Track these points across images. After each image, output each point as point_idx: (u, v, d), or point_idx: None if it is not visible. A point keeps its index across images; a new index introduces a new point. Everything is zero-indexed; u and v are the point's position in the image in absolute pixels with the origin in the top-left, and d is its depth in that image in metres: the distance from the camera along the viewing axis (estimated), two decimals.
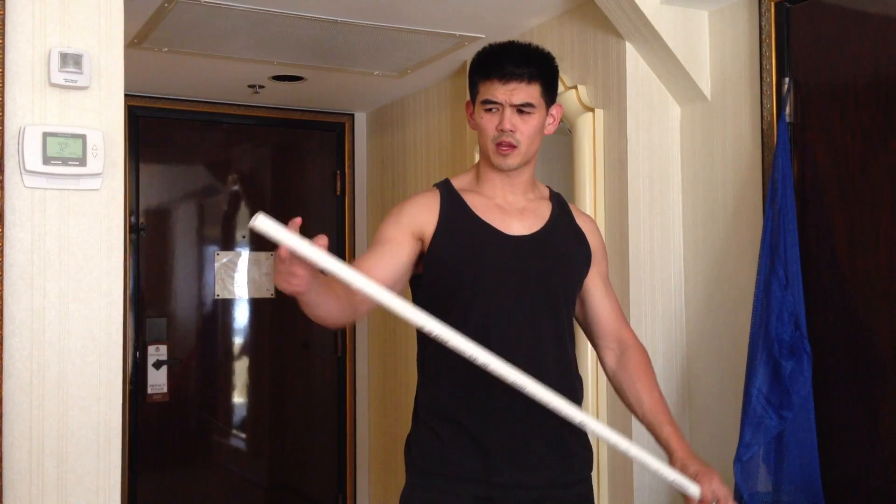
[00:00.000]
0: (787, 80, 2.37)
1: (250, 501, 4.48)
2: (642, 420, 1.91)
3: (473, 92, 1.85)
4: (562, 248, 1.86)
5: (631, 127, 2.70)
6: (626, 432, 2.68)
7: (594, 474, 2.77)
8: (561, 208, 1.91)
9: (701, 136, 2.70)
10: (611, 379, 1.99)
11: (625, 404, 1.97)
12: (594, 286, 1.92)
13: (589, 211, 2.81)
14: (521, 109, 1.78)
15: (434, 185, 1.90)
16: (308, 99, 4.30)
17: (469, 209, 1.82)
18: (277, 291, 4.41)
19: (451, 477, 1.76)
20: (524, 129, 1.79)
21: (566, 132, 2.98)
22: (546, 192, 1.93)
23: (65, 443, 1.99)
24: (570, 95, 2.87)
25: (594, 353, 2.77)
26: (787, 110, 2.35)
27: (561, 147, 3.84)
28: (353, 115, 4.65)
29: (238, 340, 4.44)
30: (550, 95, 1.84)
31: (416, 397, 1.88)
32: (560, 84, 2.92)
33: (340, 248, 4.58)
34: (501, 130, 1.78)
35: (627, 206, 2.69)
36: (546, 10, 2.99)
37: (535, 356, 1.76)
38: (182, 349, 4.27)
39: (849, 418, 2.22)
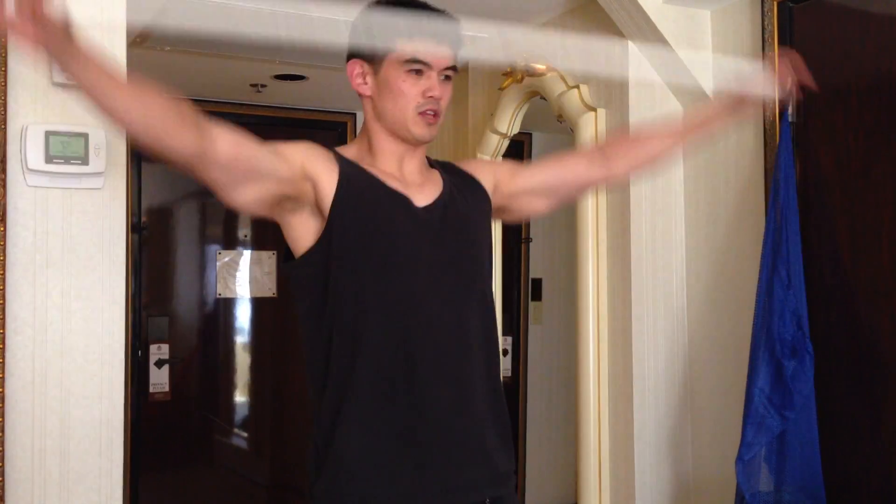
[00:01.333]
0: (789, 80, 2.36)
1: (252, 500, 4.48)
2: (688, 131, 1.83)
3: (379, 48, 1.58)
4: (463, 210, 1.65)
5: (633, 126, 2.69)
6: (628, 442, 2.68)
7: (596, 475, 2.77)
8: (446, 169, 1.72)
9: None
10: (638, 170, 1.85)
11: (659, 158, 1.83)
12: (526, 177, 1.77)
13: (590, 211, 2.81)
14: (446, 76, 1.59)
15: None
16: (310, 98, 4.30)
17: (372, 175, 1.58)
18: (279, 291, 4.42)
19: (384, 497, 1.50)
20: (446, 98, 1.60)
21: (568, 131, 2.98)
22: (427, 162, 1.72)
23: (67, 441, 1.99)
24: (573, 95, 2.87)
25: (594, 350, 2.79)
26: (790, 110, 2.34)
27: (563, 146, 3.83)
28: (355, 115, 4.65)
29: (240, 339, 4.45)
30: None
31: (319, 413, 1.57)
32: (562, 83, 2.94)
33: None
34: (430, 97, 1.57)
35: (629, 206, 2.69)
36: (548, 10, 2.99)
37: (462, 331, 1.57)
38: (184, 348, 4.27)
39: (851, 418, 2.22)
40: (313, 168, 1.52)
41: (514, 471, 1.66)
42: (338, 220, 1.52)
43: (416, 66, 1.56)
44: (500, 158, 3.42)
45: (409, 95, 1.56)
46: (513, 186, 1.76)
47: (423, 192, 1.62)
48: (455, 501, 1.55)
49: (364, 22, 1.61)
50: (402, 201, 1.58)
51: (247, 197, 1.46)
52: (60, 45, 1.25)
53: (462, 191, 1.68)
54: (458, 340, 1.57)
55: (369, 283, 1.52)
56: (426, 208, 1.60)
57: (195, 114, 1.40)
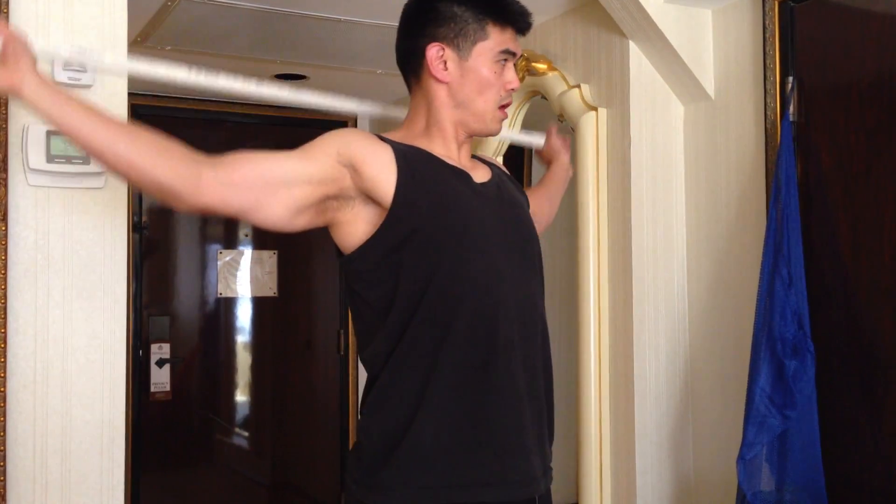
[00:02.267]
0: (790, 78, 2.36)
1: (253, 499, 4.48)
2: (548, 181, 2.10)
3: (469, 34, 1.53)
4: (517, 198, 1.65)
5: (634, 126, 2.69)
6: (629, 441, 2.68)
7: (597, 474, 2.77)
8: (488, 163, 1.70)
9: (704, 135, 2.70)
10: (547, 211, 2.05)
11: (552, 200, 2.08)
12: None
13: (591, 210, 2.81)
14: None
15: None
16: None
17: (429, 153, 1.53)
18: (280, 290, 4.42)
19: (462, 485, 1.45)
20: None
21: (569, 131, 2.97)
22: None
23: (68, 441, 1.99)
24: (574, 94, 2.87)
25: (595, 349, 2.79)
26: (791, 109, 2.34)
27: None
28: (356, 114, 4.65)
29: (241, 339, 4.45)
30: None
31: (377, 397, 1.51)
32: (563, 83, 2.94)
33: None
34: (511, 90, 1.56)
35: (630, 205, 2.69)
36: (549, 9, 2.99)
37: (532, 314, 1.55)
38: (185, 347, 4.27)
39: (852, 417, 2.22)
40: (351, 155, 1.45)
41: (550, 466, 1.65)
42: (403, 200, 1.44)
43: (504, 58, 1.54)
44: (500, 158, 3.42)
45: (495, 86, 1.54)
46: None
47: (476, 172, 1.60)
48: (530, 491, 1.52)
49: (449, 6, 1.55)
50: (465, 178, 1.54)
51: (280, 212, 1.41)
52: (35, 83, 1.28)
53: (504, 181, 1.68)
54: (531, 323, 1.54)
55: (449, 264, 1.45)
56: (483, 185, 1.58)
57: (188, 150, 1.39)
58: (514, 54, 1.55)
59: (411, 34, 1.58)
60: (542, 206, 2.01)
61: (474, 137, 1.63)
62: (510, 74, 1.55)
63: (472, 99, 1.54)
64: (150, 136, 1.35)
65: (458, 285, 1.46)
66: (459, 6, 1.54)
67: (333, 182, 1.44)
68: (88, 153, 1.34)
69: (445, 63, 1.55)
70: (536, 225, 1.73)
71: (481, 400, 1.47)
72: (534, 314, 1.56)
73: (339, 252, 1.56)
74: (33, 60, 1.34)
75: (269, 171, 1.41)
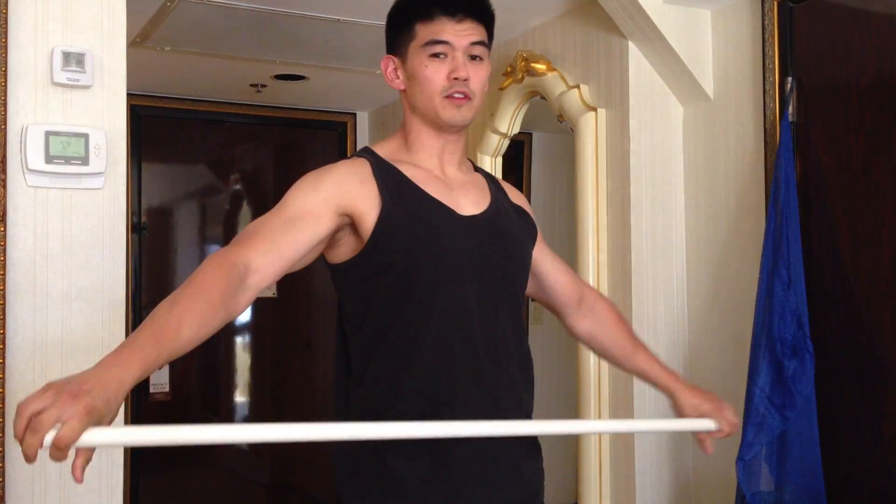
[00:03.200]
0: (789, 79, 2.36)
1: (252, 500, 4.48)
2: (634, 370, 1.81)
3: (404, 39, 1.53)
4: (512, 230, 1.60)
5: (633, 126, 2.70)
6: (628, 442, 2.68)
7: (596, 475, 2.77)
8: (494, 184, 1.66)
9: (704, 136, 2.70)
10: (589, 343, 1.82)
11: (610, 362, 1.86)
12: (542, 256, 1.72)
13: (591, 210, 2.81)
14: (472, 55, 1.51)
15: (355, 154, 1.59)
16: (310, 98, 4.30)
17: (412, 183, 1.51)
18: (279, 291, 4.42)
19: None
20: (477, 79, 1.51)
21: (569, 131, 2.98)
22: (471, 166, 1.68)
23: None
24: (573, 95, 2.87)
25: (594, 354, 2.78)
26: (790, 109, 2.34)
27: (563, 147, 3.84)
28: (355, 115, 4.65)
29: (240, 339, 4.45)
30: (491, 42, 1.58)
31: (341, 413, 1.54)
32: (562, 83, 2.94)
33: None
34: (455, 79, 1.49)
35: (630, 206, 2.69)
36: (548, 10, 2.99)
37: (500, 353, 1.53)
38: None
39: (851, 418, 2.22)
40: (347, 204, 1.46)
41: (542, 473, 1.62)
42: (382, 234, 1.46)
43: (437, 49, 1.49)
44: (500, 158, 3.42)
45: (433, 81, 1.50)
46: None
47: (468, 196, 1.57)
48: None
49: (391, 17, 1.58)
50: (445, 210, 1.52)
51: (300, 266, 1.48)
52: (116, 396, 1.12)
53: (510, 210, 1.64)
54: (500, 359, 1.52)
55: (416, 299, 1.46)
56: (472, 218, 1.54)
57: (227, 271, 1.37)
58: (445, 42, 1.49)
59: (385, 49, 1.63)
60: (602, 339, 1.83)
61: (461, 142, 1.61)
62: (452, 64, 1.49)
63: (419, 98, 1.53)
64: (203, 300, 1.35)
65: (423, 320, 1.46)
66: (398, 15, 1.57)
67: (334, 230, 1.48)
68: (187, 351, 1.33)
69: (396, 72, 1.57)
70: (578, 332, 1.78)
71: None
72: (508, 348, 1.54)
73: (326, 260, 1.59)
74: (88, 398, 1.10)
75: (290, 258, 1.43)
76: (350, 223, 1.49)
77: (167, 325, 1.27)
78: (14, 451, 1.94)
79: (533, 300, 1.83)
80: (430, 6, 1.50)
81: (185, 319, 1.29)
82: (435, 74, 1.50)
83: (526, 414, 1.58)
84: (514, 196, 1.70)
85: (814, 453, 2.18)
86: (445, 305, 1.47)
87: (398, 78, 1.57)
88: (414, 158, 1.56)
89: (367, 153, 1.56)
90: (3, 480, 1.92)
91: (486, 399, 1.49)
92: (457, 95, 1.50)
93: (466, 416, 1.45)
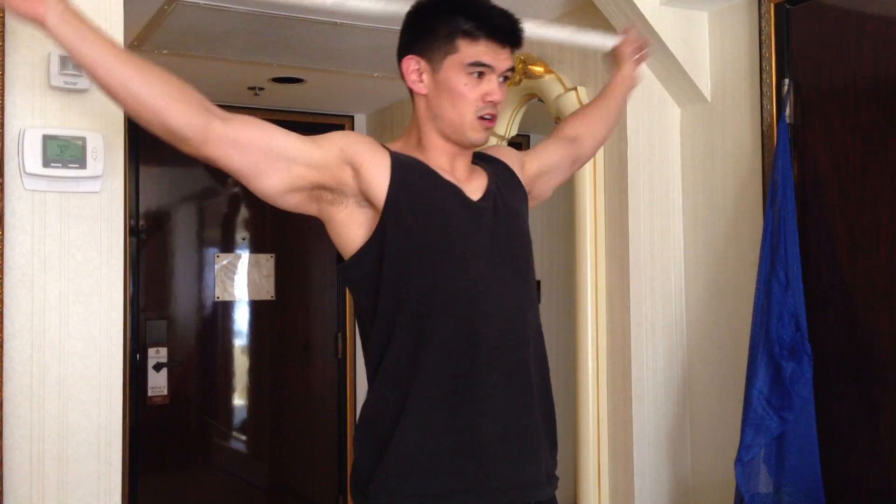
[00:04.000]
0: (787, 81, 2.37)
1: (250, 503, 4.47)
2: (606, 95, 2.02)
3: (441, 48, 1.53)
4: (510, 205, 1.64)
5: (631, 128, 2.70)
6: (627, 444, 2.68)
7: (595, 477, 2.77)
8: (484, 160, 1.69)
9: (701, 138, 2.70)
10: (600, 143, 2.00)
11: (606, 116, 2.00)
12: (539, 161, 1.80)
13: (588, 213, 2.81)
14: (504, 76, 1.56)
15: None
16: (308, 101, 4.30)
17: (425, 165, 1.55)
18: (277, 294, 4.41)
19: (445, 493, 1.47)
20: (502, 101, 1.58)
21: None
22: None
23: (65, 446, 1.99)
24: (570, 97, 2.87)
25: (592, 352, 2.79)
26: (787, 111, 2.35)
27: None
28: (352, 117, 4.65)
29: (238, 342, 4.44)
30: None
31: (371, 406, 1.56)
32: (560, 85, 2.94)
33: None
34: (490, 101, 1.53)
35: (627, 208, 2.69)
36: (545, 12, 2.99)
37: (519, 325, 1.55)
38: (182, 351, 4.27)
39: (849, 419, 2.22)
40: (354, 153, 1.48)
41: (556, 474, 1.64)
42: (393, 210, 1.47)
43: (478, 70, 1.52)
44: None
45: (469, 99, 1.52)
46: (531, 171, 1.77)
47: (472, 185, 1.60)
48: (525, 498, 1.53)
49: (423, 17, 1.57)
50: (458, 193, 1.55)
51: (275, 183, 1.44)
52: (59, 15, 1.29)
53: (505, 183, 1.67)
54: (517, 335, 1.55)
55: (430, 277, 1.48)
56: (479, 201, 1.57)
57: (201, 97, 1.41)
58: (489, 66, 1.53)
59: (399, 46, 1.62)
60: (591, 127, 1.94)
61: (472, 151, 1.64)
62: (488, 86, 1.53)
63: (447, 111, 1.55)
64: (167, 78, 1.38)
65: (437, 297, 1.48)
66: (434, 19, 1.55)
67: (331, 172, 1.48)
68: (103, 89, 1.37)
69: (421, 75, 1.56)
70: (586, 148, 1.92)
71: (462, 409, 1.48)
72: (522, 326, 1.56)
73: (338, 259, 1.60)
74: None
75: (275, 141, 1.45)
76: (355, 189, 1.48)
77: (125, 56, 1.37)
78: (12, 455, 1.94)
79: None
80: (480, 27, 1.52)
81: (143, 73, 1.37)
82: (471, 93, 1.53)
83: (545, 385, 1.61)
84: (500, 155, 1.74)
85: (812, 454, 2.18)
86: (457, 282, 1.50)
87: (421, 82, 1.57)
88: (426, 157, 1.59)
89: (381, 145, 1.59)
90: (2, 485, 1.91)
91: (506, 373, 1.50)
92: (487, 117, 1.55)
93: (487, 391, 1.48)
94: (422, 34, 1.57)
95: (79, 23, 1.34)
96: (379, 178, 1.48)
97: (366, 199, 1.50)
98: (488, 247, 1.55)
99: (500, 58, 1.54)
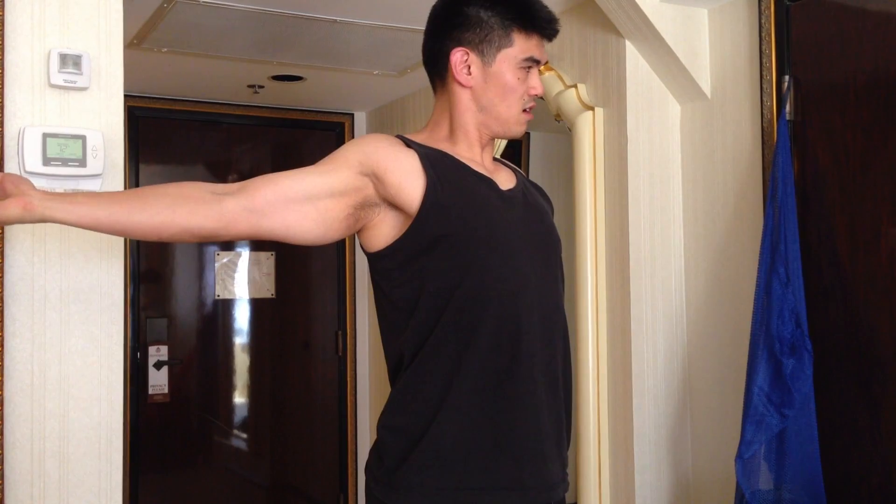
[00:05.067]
0: (787, 77, 2.37)
1: (251, 501, 4.48)
2: None
3: (493, 40, 1.53)
4: (541, 205, 1.65)
5: (631, 125, 2.70)
6: (628, 441, 2.69)
7: (596, 474, 2.77)
8: (516, 172, 1.71)
9: (701, 135, 2.70)
10: None
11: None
12: None
13: (589, 210, 2.81)
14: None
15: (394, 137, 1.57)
16: (308, 98, 4.30)
17: (455, 158, 1.54)
18: (277, 292, 4.42)
19: (481, 488, 1.45)
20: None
21: (566, 130, 2.98)
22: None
23: (66, 444, 1.99)
24: (570, 94, 2.87)
25: (593, 349, 2.79)
26: (788, 108, 2.34)
27: (561, 146, 3.84)
28: (352, 115, 4.65)
29: (239, 341, 4.44)
30: None
31: (397, 403, 1.53)
32: (560, 82, 2.94)
33: (340, 250, 4.57)
34: (534, 95, 1.57)
35: (627, 205, 2.69)
36: None
37: (554, 322, 1.55)
38: (183, 350, 4.27)
39: (850, 415, 2.22)
40: (373, 164, 1.46)
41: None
42: (432, 206, 1.45)
43: (529, 65, 1.56)
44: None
45: (519, 92, 1.55)
46: None
47: (500, 177, 1.61)
48: (550, 497, 1.53)
49: (470, 8, 1.56)
50: (491, 184, 1.55)
51: (311, 228, 1.43)
52: (40, 196, 1.33)
53: (531, 187, 1.69)
54: (554, 330, 1.55)
55: (478, 268, 1.46)
56: (509, 192, 1.58)
57: (202, 185, 1.41)
58: (538, 62, 1.57)
59: (438, 36, 1.60)
60: None
61: (496, 140, 1.66)
62: (534, 80, 1.57)
63: (496, 104, 1.56)
64: (161, 192, 1.38)
65: (484, 290, 1.47)
66: (486, 11, 1.55)
67: (356, 192, 1.46)
68: (118, 234, 1.40)
69: (469, 67, 1.56)
70: None
71: (502, 405, 1.47)
72: (556, 321, 1.56)
73: (364, 248, 1.58)
74: (30, 183, 1.39)
75: (290, 189, 1.43)
76: (382, 195, 1.47)
77: (116, 197, 1.40)
78: (13, 454, 1.94)
79: None
80: (533, 22, 1.55)
81: (139, 201, 1.39)
82: (521, 86, 1.56)
83: (569, 384, 1.62)
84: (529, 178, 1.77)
85: (813, 451, 2.18)
86: (502, 275, 1.48)
87: (470, 74, 1.56)
88: (455, 149, 1.58)
89: (403, 139, 1.56)
90: (3, 484, 1.91)
91: (542, 369, 1.50)
92: (530, 111, 1.59)
93: (528, 387, 1.48)
94: (470, 26, 1.55)
95: (61, 196, 1.38)
96: (408, 178, 1.47)
97: (394, 202, 1.48)
98: (526, 238, 1.55)
99: (543, 52, 1.59)
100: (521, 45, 1.54)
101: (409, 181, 1.46)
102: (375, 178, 1.46)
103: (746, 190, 2.53)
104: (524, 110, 1.57)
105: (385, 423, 1.54)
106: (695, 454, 2.72)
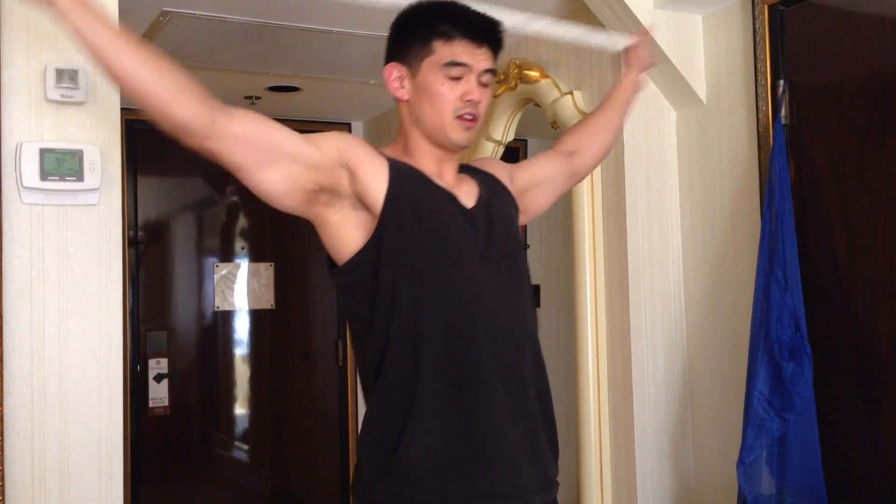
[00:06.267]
0: (781, 82, 2.37)
1: None
2: (608, 104, 2.04)
3: (418, 52, 1.55)
4: (504, 212, 1.65)
5: (627, 132, 2.70)
6: (629, 447, 2.68)
7: (597, 481, 2.77)
8: (473, 172, 1.70)
9: (697, 140, 2.70)
10: (599, 157, 2.00)
11: (606, 127, 2.01)
12: (531, 172, 1.80)
13: (586, 217, 2.81)
14: (482, 82, 1.56)
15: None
16: (305, 109, 4.31)
17: (420, 171, 1.55)
18: (277, 302, 4.41)
19: (457, 499, 1.47)
20: (484, 102, 1.57)
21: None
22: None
23: (67, 459, 1.99)
24: (566, 101, 2.87)
25: (593, 355, 2.79)
26: (783, 112, 2.35)
27: None
28: (349, 125, 4.66)
29: (238, 352, 4.44)
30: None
31: (373, 415, 1.55)
32: (556, 90, 2.95)
33: None
34: (469, 101, 1.54)
35: (625, 211, 2.70)
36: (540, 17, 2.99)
37: (516, 331, 1.56)
38: (183, 362, 4.27)
39: (851, 419, 2.22)
40: (351, 155, 1.48)
41: (557, 478, 1.62)
42: (392, 213, 1.47)
43: (455, 71, 1.53)
44: None
45: (447, 99, 1.54)
46: (521, 183, 1.77)
47: (463, 191, 1.61)
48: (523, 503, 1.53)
49: (401, 24, 1.59)
50: (452, 199, 1.56)
51: (273, 180, 1.43)
52: (68, 4, 1.28)
53: (496, 192, 1.68)
54: (514, 338, 1.55)
55: (428, 279, 1.48)
56: (472, 209, 1.59)
57: (206, 91, 1.40)
58: (464, 65, 1.54)
59: (384, 55, 1.63)
60: (589, 139, 1.95)
61: (458, 155, 1.65)
62: (466, 86, 1.54)
63: (426, 112, 1.56)
64: (174, 70, 1.36)
65: (436, 302, 1.48)
66: (411, 25, 1.58)
67: (329, 173, 1.47)
68: (110, 77, 1.35)
69: (402, 81, 1.58)
70: (584, 160, 1.93)
71: (466, 414, 1.48)
72: (520, 330, 1.57)
73: (330, 265, 1.59)
74: None
75: (277, 139, 1.44)
76: (350, 191, 1.48)
77: (135, 46, 1.33)
78: (14, 469, 1.94)
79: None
80: (454, 27, 1.54)
81: (152, 63, 1.34)
82: (449, 93, 1.54)
83: (543, 390, 1.60)
84: (488, 167, 1.74)
85: (814, 455, 2.18)
86: (455, 286, 1.50)
87: (402, 88, 1.58)
88: (415, 163, 1.59)
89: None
90: (3, 499, 1.91)
91: (505, 375, 1.50)
92: (467, 117, 1.55)
93: (490, 393, 1.48)
94: (400, 42, 1.59)
95: (90, 8, 1.32)
96: (376, 180, 1.49)
97: (361, 201, 1.50)
98: (484, 251, 1.56)
99: (476, 57, 1.55)
100: (442, 51, 1.54)
101: (377, 181, 1.49)
102: (349, 170, 1.48)
103: (743, 194, 2.53)
104: (460, 117, 1.55)
105: (362, 438, 1.56)
106: (696, 460, 2.72)
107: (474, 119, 1.56)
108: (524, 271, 1.64)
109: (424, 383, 1.47)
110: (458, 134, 1.56)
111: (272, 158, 1.42)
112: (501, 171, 1.76)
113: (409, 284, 1.48)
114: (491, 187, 1.68)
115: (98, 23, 1.31)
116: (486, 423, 1.48)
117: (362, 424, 1.59)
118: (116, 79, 1.34)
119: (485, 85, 1.58)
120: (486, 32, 1.57)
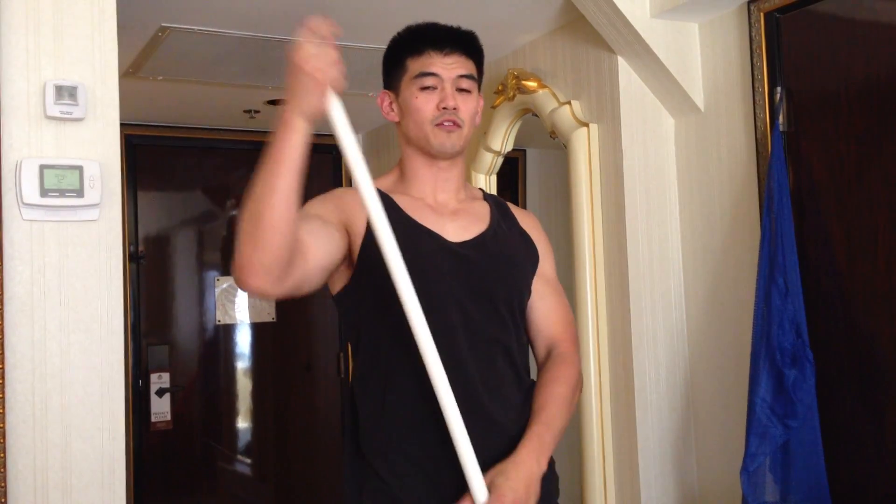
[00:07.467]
0: (779, 88, 2.38)
1: None
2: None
3: (397, 74, 1.62)
4: (507, 252, 1.63)
5: (625, 141, 2.71)
6: (632, 456, 2.68)
7: (601, 489, 2.76)
8: (500, 209, 1.71)
9: (695, 148, 2.71)
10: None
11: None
12: (538, 287, 1.71)
13: (586, 225, 2.81)
14: (460, 88, 1.59)
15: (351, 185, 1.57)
16: None
17: (401, 211, 1.58)
18: (278, 315, 4.41)
19: None
20: (466, 108, 1.59)
21: (562, 147, 2.99)
22: (479, 194, 1.74)
23: (69, 475, 1.99)
24: (564, 111, 2.88)
25: (595, 364, 2.79)
26: (781, 119, 2.35)
27: (556, 162, 3.85)
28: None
29: (240, 365, 4.44)
30: (481, 79, 1.67)
31: (351, 433, 1.60)
32: (554, 100, 2.95)
33: None
34: (444, 108, 1.57)
35: (625, 220, 2.70)
36: (537, 28, 3.01)
37: (491, 374, 1.55)
38: (184, 376, 4.26)
39: (854, 425, 2.22)
40: (347, 217, 1.55)
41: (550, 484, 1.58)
42: (368, 258, 1.52)
43: (427, 82, 1.58)
44: (494, 176, 3.43)
45: (422, 111, 1.58)
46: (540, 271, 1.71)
47: (458, 222, 1.62)
48: None
49: (386, 54, 1.67)
50: (431, 238, 1.58)
51: (328, 242, 1.49)
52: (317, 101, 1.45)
53: (513, 234, 1.68)
54: (492, 381, 1.55)
55: (395, 326, 1.47)
56: (460, 244, 1.59)
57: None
58: (433, 75, 1.58)
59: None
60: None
61: (456, 170, 1.66)
62: (440, 95, 1.58)
63: (412, 128, 1.61)
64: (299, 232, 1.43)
65: (404, 345, 1.47)
66: (392, 52, 1.65)
67: (342, 241, 1.54)
68: (262, 184, 1.46)
69: (391, 105, 1.66)
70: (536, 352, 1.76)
71: (430, 451, 1.50)
72: (496, 372, 1.56)
73: (330, 291, 1.66)
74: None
75: (324, 261, 1.51)
76: (348, 247, 1.56)
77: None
78: (16, 485, 1.93)
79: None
80: (420, 42, 1.60)
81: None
82: (425, 105, 1.58)
83: (521, 432, 1.56)
84: (526, 221, 1.74)
85: (818, 461, 2.17)
86: (431, 329, 1.45)
87: (393, 111, 1.66)
88: (408, 189, 1.64)
89: None
90: (6, 494, 1.91)
91: (481, 423, 1.49)
92: (446, 124, 1.58)
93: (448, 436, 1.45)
94: (386, 70, 1.67)
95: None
96: (361, 227, 1.54)
97: (352, 244, 1.56)
98: (464, 290, 1.55)
99: (446, 65, 1.59)
100: (413, 66, 1.60)
101: (360, 231, 1.54)
102: (348, 231, 1.55)
103: (742, 201, 2.53)
104: (439, 125, 1.58)
105: (347, 469, 1.61)
106: (700, 468, 2.71)
107: (455, 124, 1.58)
108: (512, 311, 1.61)
109: (392, 421, 1.53)
110: (439, 139, 1.58)
111: (316, 228, 1.49)
112: (539, 237, 1.73)
113: (378, 326, 1.55)
114: (509, 229, 1.68)
115: (306, 148, 1.40)
116: (449, 464, 1.45)
117: (344, 447, 1.65)
118: (269, 189, 1.44)
119: (465, 90, 1.60)
120: (453, 39, 1.61)
